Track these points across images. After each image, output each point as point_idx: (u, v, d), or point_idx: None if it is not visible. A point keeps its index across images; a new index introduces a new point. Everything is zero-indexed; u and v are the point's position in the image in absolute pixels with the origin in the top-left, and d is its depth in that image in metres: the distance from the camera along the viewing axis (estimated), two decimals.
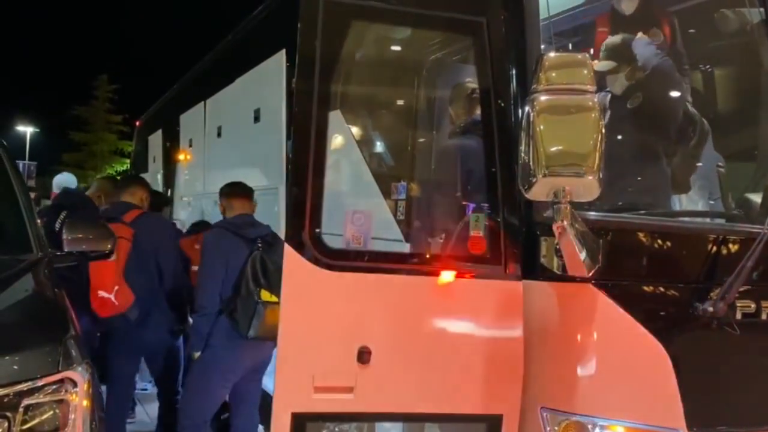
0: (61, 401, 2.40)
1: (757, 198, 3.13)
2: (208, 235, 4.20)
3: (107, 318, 4.35)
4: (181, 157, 8.15)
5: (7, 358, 2.41)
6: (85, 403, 2.46)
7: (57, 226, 4.87)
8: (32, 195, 4.61)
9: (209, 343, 3.98)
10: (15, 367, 2.40)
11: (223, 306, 3.94)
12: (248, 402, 4.23)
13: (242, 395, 4.20)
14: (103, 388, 3.97)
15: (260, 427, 4.30)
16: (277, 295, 3.70)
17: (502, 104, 2.73)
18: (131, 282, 4.38)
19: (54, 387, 2.40)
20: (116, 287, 4.33)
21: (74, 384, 2.44)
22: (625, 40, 3.42)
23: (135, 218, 4.68)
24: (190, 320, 4.62)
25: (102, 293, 4.31)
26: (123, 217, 4.64)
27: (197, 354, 4.02)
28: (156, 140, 9.95)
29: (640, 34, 3.46)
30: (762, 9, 3.17)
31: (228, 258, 3.96)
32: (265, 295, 3.85)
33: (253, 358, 4.06)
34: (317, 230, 2.58)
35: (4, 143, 3.96)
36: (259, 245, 3.96)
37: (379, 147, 3.99)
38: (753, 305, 2.66)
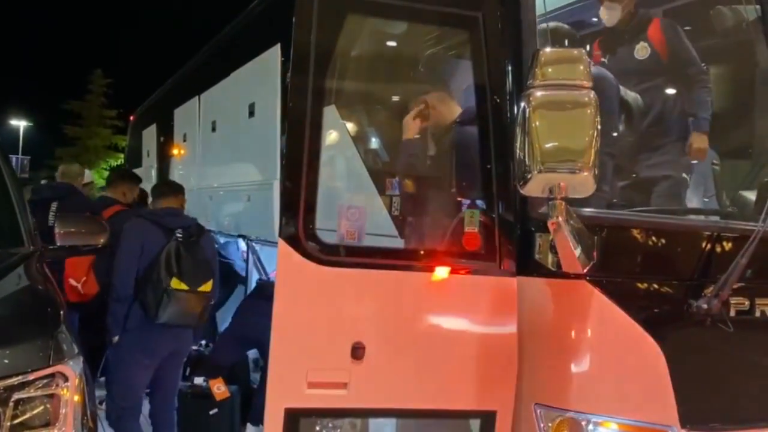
0: (51, 396, 2.38)
1: (751, 195, 3.14)
2: (127, 224, 4.34)
3: (75, 303, 4.70)
4: (175, 151, 8.12)
5: None
6: (76, 397, 2.44)
7: (51, 220, 4.92)
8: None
9: (126, 327, 4.13)
10: (5, 361, 2.38)
11: (135, 291, 4.09)
12: (165, 388, 4.39)
13: (160, 381, 4.35)
14: None
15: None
16: (188, 283, 4.01)
17: (498, 100, 2.72)
18: (100, 275, 4.69)
19: (45, 381, 2.38)
20: (84, 278, 4.73)
21: (65, 378, 2.42)
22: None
23: (112, 214, 4.90)
24: None
25: (72, 281, 4.75)
26: (103, 213, 4.82)
27: (115, 339, 4.17)
28: (150, 135, 9.91)
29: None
30: (758, 6, 3.17)
31: (143, 244, 4.12)
32: (175, 283, 3.99)
33: (170, 345, 4.21)
34: (311, 226, 2.57)
35: None
36: (179, 236, 4.11)
37: (374, 143, 3.97)
38: (747, 302, 2.67)
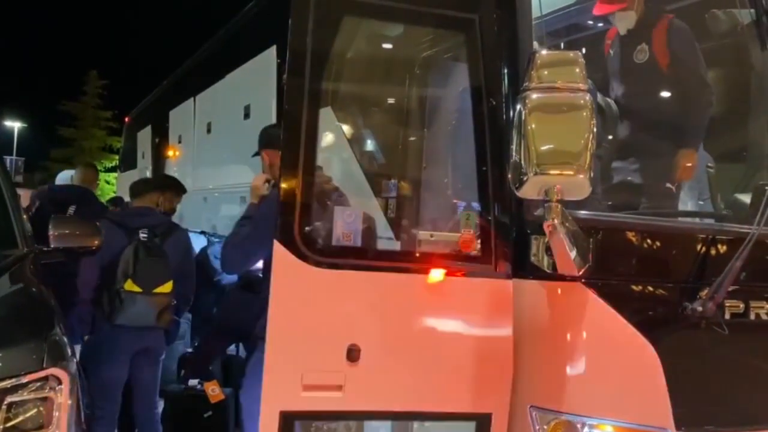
0: (45, 399, 2.37)
1: (746, 198, 3.14)
2: None
3: None
4: (170, 153, 8.12)
5: None
6: (69, 400, 2.43)
7: None
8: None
9: (94, 327, 4.20)
10: None
11: (95, 293, 4.15)
12: (142, 388, 4.41)
13: (136, 381, 4.39)
14: None
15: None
16: (141, 285, 4.05)
17: (494, 102, 2.72)
18: None
19: (38, 384, 2.37)
20: None
21: (59, 381, 2.41)
22: None
23: None
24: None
25: None
26: None
27: (86, 338, 4.28)
28: (145, 136, 9.91)
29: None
30: (752, 10, 3.18)
31: (106, 246, 4.12)
32: (128, 285, 4.04)
33: (134, 344, 4.22)
34: (307, 227, 2.56)
35: None
36: (142, 236, 4.14)
37: (370, 144, 3.97)
38: (741, 305, 2.67)
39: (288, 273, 2.54)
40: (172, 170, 8.06)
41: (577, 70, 2.23)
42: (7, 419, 2.29)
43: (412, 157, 3.68)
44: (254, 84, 5.19)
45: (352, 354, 2.54)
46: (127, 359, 4.24)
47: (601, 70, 3.61)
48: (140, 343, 4.24)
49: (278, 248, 2.53)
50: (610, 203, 3.17)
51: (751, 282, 2.69)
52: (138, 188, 4.62)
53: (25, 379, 2.35)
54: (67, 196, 5.54)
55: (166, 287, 4.13)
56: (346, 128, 3.63)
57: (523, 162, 2.22)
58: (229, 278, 6.01)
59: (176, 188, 5.41)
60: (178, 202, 5.39)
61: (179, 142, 7.72)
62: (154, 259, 4.12)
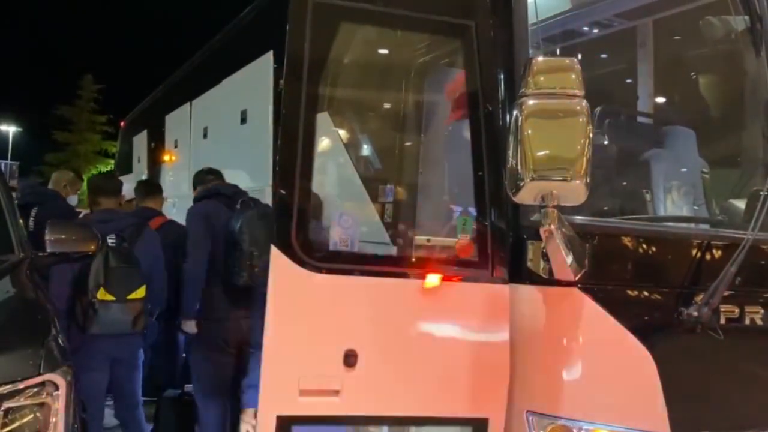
0: (42, 404, 2.37)
1: (741, 204, 3.16)
2: None
3: None
4: (166, 158, 8.11)
5: None
6: (66, 405, 2.43)
7: (31, 224, 4.90)
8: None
9: (70, 337, 4.06)
10: None
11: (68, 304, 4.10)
12: (123, 391, 4.44)
13: (116, 386, 4.42)
14: None
15: None
16: (114, 293, 4.00)
17: (490, 108, 2.73)
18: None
19: (35, 390, 2.37)
20: None
21: (55, 387, 2.41)
22: None
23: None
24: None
25: None
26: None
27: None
28: (141, 141, 9.90)
29: None
30: (747, 17, 3.20)
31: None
32: (101, 294, 3.99)
33: (110, 351, 4.21)
34: (304, 232, 2.56)
35: None
36: (111, 242, 4.11)
37: (366, 150, 3.98)
38: (737, 310, 2.68)
39: (285, 277, 2.54)
40: (167, 175, 8.06)
41: (574, 76, 2.24)
42: (4, 425, 2.29)
43: (408, 162, 3.69)
44: (251, 89, 5.20)
45: (349, 359, 2.54)
46: (105, 365, 4.24)
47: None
48: (117, 350, 4.24)
49: (275, 253, 2.53)
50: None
51: (746, 287, 2.71)
52: (103, 191, 4.54)
53: (21, 385, 2.34)
54: (32, 199, 5.57)
55: (140, 293, 4.09)
56: (343, 133, 3.64)
57: (519, 167, 2.23)
58: None
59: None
60: None
61: (175, 146, 7.72)
62: (125, 266, 4.07)
